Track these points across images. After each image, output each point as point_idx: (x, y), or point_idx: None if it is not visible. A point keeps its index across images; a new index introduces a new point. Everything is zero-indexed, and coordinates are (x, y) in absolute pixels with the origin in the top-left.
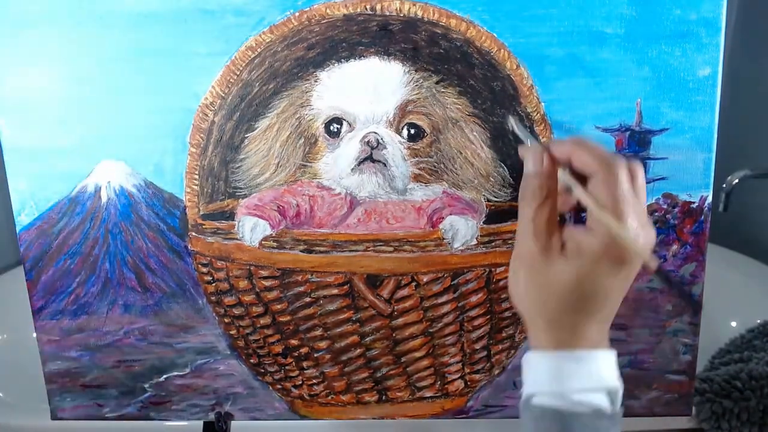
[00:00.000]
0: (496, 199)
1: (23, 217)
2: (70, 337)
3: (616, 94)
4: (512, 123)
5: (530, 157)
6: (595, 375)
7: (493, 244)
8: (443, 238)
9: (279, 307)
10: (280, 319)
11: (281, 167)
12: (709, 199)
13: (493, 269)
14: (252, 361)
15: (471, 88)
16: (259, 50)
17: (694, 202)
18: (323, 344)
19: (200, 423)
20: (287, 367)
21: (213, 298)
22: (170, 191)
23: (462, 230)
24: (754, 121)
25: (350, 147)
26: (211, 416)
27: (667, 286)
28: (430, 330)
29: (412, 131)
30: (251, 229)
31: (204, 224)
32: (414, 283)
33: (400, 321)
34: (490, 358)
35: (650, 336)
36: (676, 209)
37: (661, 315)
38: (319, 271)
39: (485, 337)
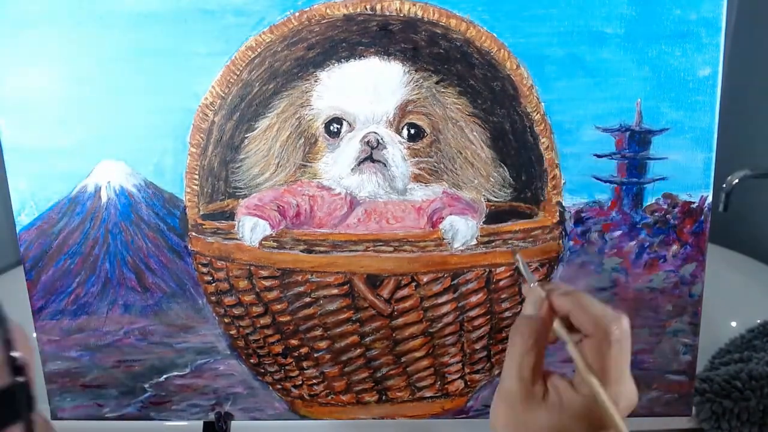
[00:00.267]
0: (496, 199)
1: (23, 217)
2: (70, 337)
3: (616, 94)
4: (518, 262)
5: (530, 301)
6: None
7: (493, 244)
8: (443, 238)
9: (279, 307)
10: (280, 319)
11: (281, 167)
12: (709, 199)
13: (493, 269)
14: (252, 361)
15: (471, 88)
16: (259, 50)
17: (694, 202)
18: (323, 344)
19: (200, 423)
20: (287, 367)
21: (213, 298)
22: (170, 191)
23: (462, 230)
24: (754, 121)
25: (350, 147)
26: (211, 416)
27: None
28: (430, 330)
29: (412, 131)
30: (251, 229)
31: (204, 224)
32: (414, 283)
33: (400, 321)
34: (490, 358)
35: (650, 336)
36: (676, 209)
37: (661, 315)
38: (319, 271)
39: (485, 337)
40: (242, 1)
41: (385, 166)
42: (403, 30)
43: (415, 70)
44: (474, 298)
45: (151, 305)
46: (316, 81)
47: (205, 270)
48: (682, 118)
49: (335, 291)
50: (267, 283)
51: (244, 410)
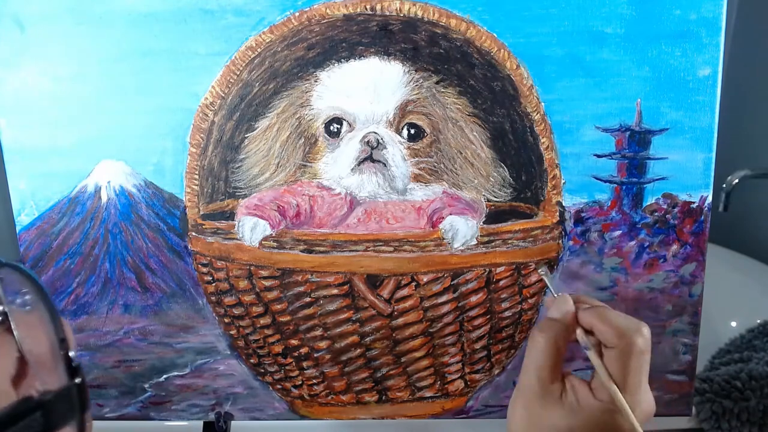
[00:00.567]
0: (496, 199)
1: (23, 217)
2: None
3: (616, 94)
4: (544, 275)
5: (557, 307)
6: None
7: (493, 244)
8: (443, 238)
9: (279, 307)
10: (280, 319)
11: (281, 167)
12: (709, 199)
13: (493, 269)
14: (252, 361)
15: (471, 88)
16: (259, 50)
17: (694, 202)
18: (323, 344)
19: (200, 423)
20: (287, 367)
21: (213, 298)
22: (170, 191)
23: (462, 230)
24: (754, 121)
25: (350, 147)
26: (211, 416)
27: None
28: (430, 330)
29: (412, 131)
30: (251, 229)
31: (204, 224)
32: (414, 283)
33: (400, 321)
34: (490, 358)
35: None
36: (676, 209)
37: (661, 315)
38: (319, 271)
39: (485, 337)
40: (242, 1)
41: (385, 166)
42: (403, 30)
43: (415, 70)
44: (474, 298)
45: (151, 305)
46: (316, 81)
47: (205, 270)
48: (682, 118)
49: (335, 291)
50: (267, 283)
51: (244, 410)
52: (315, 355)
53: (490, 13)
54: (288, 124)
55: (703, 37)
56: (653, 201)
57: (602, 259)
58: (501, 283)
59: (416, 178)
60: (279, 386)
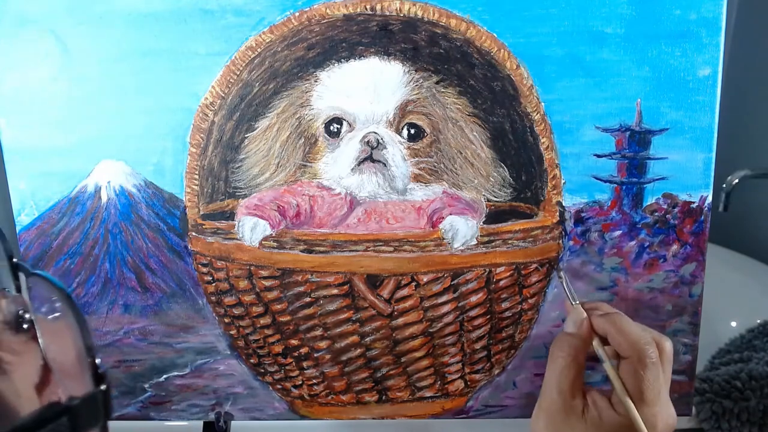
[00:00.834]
0: (496, 199)
1: (23, 217)
2: None
3: (616, 94)
4: (563, 280)
5: (571, 319)
6: None
7: (493, 244)
8: (443, 238)
9: (279, 307)
10: (280, 319)
11: (281, 167)
12: (709, 199)
13: (493, 269)
14: (252, 361)
15: (471, 88)
16: (259, 50)
17: (694, 202)
18: (323, 344)
19: (200, 423)
20: (287, 367)
21: (213, 298)
22: (170, 191)
23: (462, 230)
24: (754, 121)
25: (350, 147)
26: (211, 416)
27: None
28: (430, 330)
29: (412, 131)
30: (251, 229)
31: (204, 224)
32: (414, 283)
33: (400, 321)
34: (490, 358)
35: None
36: (676, 209)
37: (661, 315)
38: (319, 271)
39: (485, 337)
40: (242, 1)
41: (385, 166)
42: (403, 30)
43: (415, 70)
44: (474, 298)
45: (151, 305)
46: (316, 81)
47: (205, 270)
48: (681, 118)
49: (335, 291)
50: (267, 283)
51: (244, 410)
52: (315, 355)
53: (490, 13)
54: (288, 124)
55: (703, 37)
56: (653, 201)
57: (602, 259)
58: (501, 283)
59: (416, 178)
60: (279, 386)
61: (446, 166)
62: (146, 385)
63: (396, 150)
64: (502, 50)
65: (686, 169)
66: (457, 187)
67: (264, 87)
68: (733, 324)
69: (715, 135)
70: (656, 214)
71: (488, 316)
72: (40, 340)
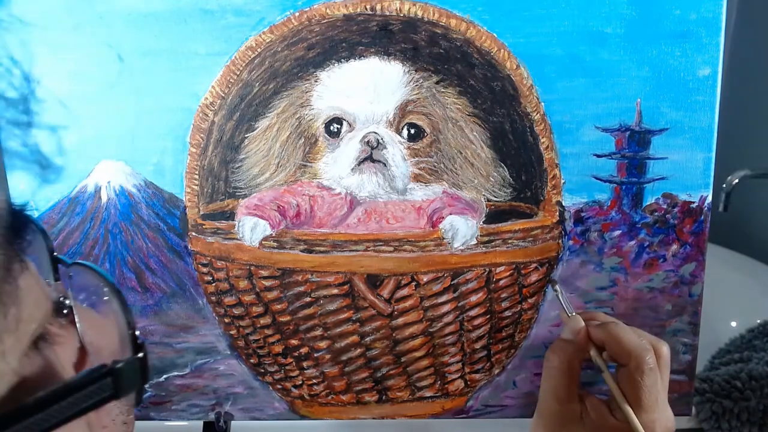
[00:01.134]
0: (496, 199)
1: None
2: None
3: (616, 94)
4: (558, 293)
5: (569, 328)
6: None
7: (493, 244)
8: (443, 238)
9: (279, 307)
10: (280, 319)
11: (281, 167)
12: (709, 199)
13: (493, 269)
14: (252, 361)
15: (471, 88)
16: (259, 50)
17: (694, 202)
18: (323, 344)
19: (200, 423)
20: (287, 367)
21: (213, 298)
22: (170, 191)
23: (462, 230)
24: (754, 121)
25: (350, 147)
26: (211, 416)
27: None
28: (430, 330)
29: (412, 131)
30: (251, 229)
31: (204, 224)
32: (414, 283)
33: (400, 321)
34: (490, 358)
35: None
36: (676, 209)
37: (661, 315)
38: (319, 271)
39: (485, 337)
40: (242, 1)
41: (385, 166)
42: (403, 30)
43: (415, 70)
44: (474, 298)
45: (151, 305)
46: (316, 81)
47: (205, 270)
48: (681, 118)
49: (335, 291)
50: (267, 283)
51: (244, 410)
52: (315, 355)
53: (490, 13)
54: (288, 124)
55: (703, 37)
56: (653, 201)
57: (602, 258)
58: (501, 282)
59: (416, 178)
60: (279, 386)
61: (446, 166)
62: (146, 385)
63: (396, 150)
64: (502, 50)
65: (686, 169)
66: (457, 187)
67: (264, 87)
68: (733, 324)
69: (715, 135)
70: (656, 214)
71: (488, 316)
72: (78, 325)
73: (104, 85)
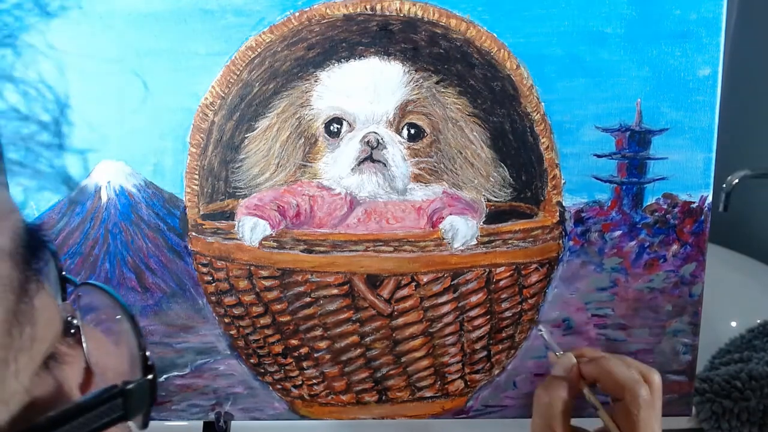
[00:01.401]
0: (496, 199)
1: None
2: None
3: (616, 94)
4: (543, 332)
5: (560, 366)
6: None
7: (493, 244)
8: (443, 238)
9: (279, 307)
10: (280, 319)
11: (281, 167)
12: (709, 199)
13: (493, 269)
14: (252, 361)
15: (471, 88)
16: (259, 50)
17: (694, 202)
18: (323, 344)
19: (200, 423)
20: (287, 367)
21: (213, 298)
22: (170, 191)
23: (462, 230)
24: (754, 121)
25: (350, 147)
26: (211, 416)
27: None
28: (430, 330)
29: (412, 131)
30: (251, 229)
31: (204, 224)
32: (414, 283)
33: (400, 321)
34: (490, 358)
35: (650, 336)
36: (676, 209)
37: (661, 315)
38: (319, 271)
39: (485, 337)
40: (242, 1)
41: (385, 166)
42: (403, 30)
43: (415, 70)
44: (474, 298)
45: (151, 305)
46: (316, 81)
47: (205, 270)
48: (681, 118)
49: (335, 291)
50: (267, 283)
51: (244, 410)
52: (315, 355)
53: (490, 13)
54: (288, 124)
55: (703, 37)
56: (653, 201)
57: (602, 259)
58: (501, 283)
59: (416, 178)
60: (279, 386)
61: (446, 166)
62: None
63: (396, 150)
64: (502, 50)
65: (686, 169)
66: (457, 187)
67: (264, 87)
68: (733, 324)
69: (715, 135)
70: (656, 214)
71: (488, 316)
72: (84, 345)
73: (104, 86)
